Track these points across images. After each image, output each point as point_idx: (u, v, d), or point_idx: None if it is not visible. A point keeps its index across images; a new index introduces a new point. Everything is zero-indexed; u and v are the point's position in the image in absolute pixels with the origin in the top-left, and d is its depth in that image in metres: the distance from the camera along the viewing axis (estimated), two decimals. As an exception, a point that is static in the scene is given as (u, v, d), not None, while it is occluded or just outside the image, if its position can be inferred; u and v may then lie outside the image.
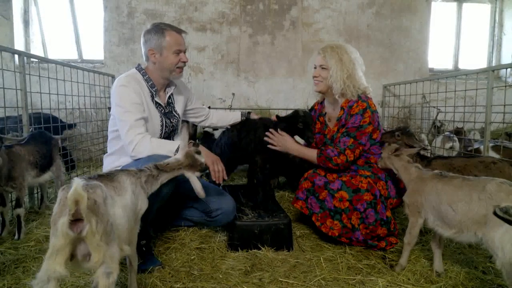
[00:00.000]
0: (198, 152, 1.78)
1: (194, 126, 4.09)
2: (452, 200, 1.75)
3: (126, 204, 1.45)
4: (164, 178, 1.71)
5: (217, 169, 2.08)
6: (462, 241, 1.80)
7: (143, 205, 1.59)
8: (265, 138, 2.41)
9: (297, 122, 2.37)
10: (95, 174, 1.44)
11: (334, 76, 2.35)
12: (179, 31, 2.24)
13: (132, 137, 2.00)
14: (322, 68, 2.41)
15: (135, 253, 1.63)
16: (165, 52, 2.17)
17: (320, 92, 2.53)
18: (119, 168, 2.09)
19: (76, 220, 1.14)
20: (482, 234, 1.65)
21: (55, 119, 3.58)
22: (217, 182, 2.12)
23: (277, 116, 2.48)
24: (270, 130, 2.42)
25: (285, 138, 2.39)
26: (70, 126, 4.27)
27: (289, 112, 2.55)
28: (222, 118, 2.78)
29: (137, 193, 1.54)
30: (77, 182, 1.11)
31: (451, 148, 3.86)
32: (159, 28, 2.17)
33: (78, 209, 1.12)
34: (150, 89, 2.23)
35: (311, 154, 2.38)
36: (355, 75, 2.36)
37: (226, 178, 2.15)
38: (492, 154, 3.12)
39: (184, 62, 2.26)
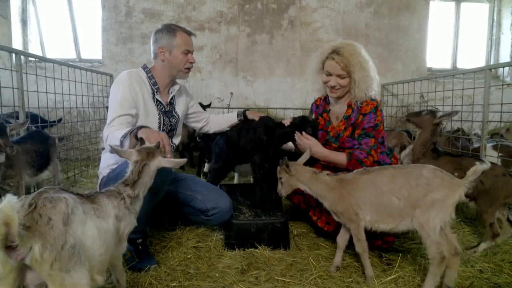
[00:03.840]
0: (142, 141, 1.61)
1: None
2: (393, 188, 1.77)
3: (106, 229, 1.28)
4: (141, 192, 1.51)
5: (162, 143, 1.76)
6: (399, 231, 1.84)
7: (129, 226, 1.45)
8: (296, 140, 2.33)
9: (306, 127, 2.32)
10: (75, 192, 1.26)
11: (358, 90, 2.27)
12: (189, 33, 2.32)
13: (105, 133, 2.00)
14: (341, 77, 2.29)
15: (122, 271, 1.54)
16: (174, 51, 2.23)
17: (337, 98, 2.44)
18: (114, 166, 2.09)
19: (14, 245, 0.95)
20: (414, 218, 1.72)
21: (34, 117, 3.46)
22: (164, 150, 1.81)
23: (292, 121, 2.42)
24: (298, 132, 2.33)
25: (312, 142, 2.29)
26: (53, 123, 4.08)
27: (288, 112, 2.52)
28: (220, 122, 2.74)
29: (120, 217, 1.38)
30: (8, 200, 0.91)
31: None
32: (171, 28, 2.25)
33: (10, 233, 0.93)
34: (152, 86, 2.27)
35: (340, 158, 2.27)
36: (372, 84, 2.31)
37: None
38: (492, 153, 3.13)
39: (192, 63, 2.32)
